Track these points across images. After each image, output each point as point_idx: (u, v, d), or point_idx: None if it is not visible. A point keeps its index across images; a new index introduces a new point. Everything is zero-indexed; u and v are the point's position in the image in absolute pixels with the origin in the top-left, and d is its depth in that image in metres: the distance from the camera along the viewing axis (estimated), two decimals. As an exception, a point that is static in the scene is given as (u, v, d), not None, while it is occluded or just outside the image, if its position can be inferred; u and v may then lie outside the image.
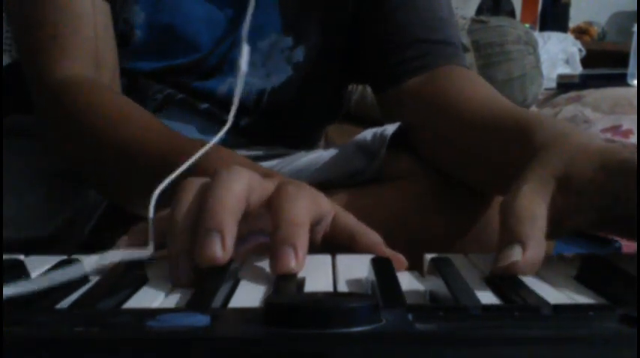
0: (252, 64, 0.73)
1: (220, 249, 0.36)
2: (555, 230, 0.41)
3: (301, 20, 0.75)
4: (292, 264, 0.36)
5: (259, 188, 0.40)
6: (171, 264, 0.38)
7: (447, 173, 0.63)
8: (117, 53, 0.68)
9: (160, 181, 0.45)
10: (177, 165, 0.48)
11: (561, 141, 0.45)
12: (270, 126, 0.78)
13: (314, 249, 0.43)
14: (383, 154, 0.61)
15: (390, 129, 0.63)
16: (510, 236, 0.39)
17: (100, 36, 0.66)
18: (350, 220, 0.46)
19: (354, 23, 0.75)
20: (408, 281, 0.39)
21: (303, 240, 0.37)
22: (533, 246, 0.38)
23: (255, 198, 0.40)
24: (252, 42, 0.73)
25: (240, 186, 0.39)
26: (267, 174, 0.46)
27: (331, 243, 0.45)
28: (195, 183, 0.40)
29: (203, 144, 0.52)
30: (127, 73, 0.72)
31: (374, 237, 0.45)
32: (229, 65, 0.73)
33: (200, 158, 0.50)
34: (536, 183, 0.41)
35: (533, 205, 0.40)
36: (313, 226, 0.42)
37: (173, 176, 0.46)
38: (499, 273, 0.37)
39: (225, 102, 0.75)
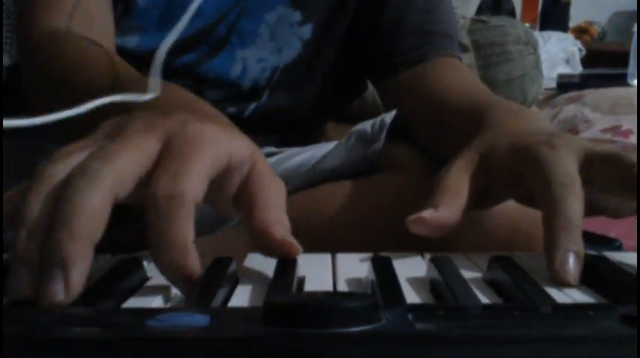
0: (259, 35, 0.74)
1: (62, 289, 0.30)
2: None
3: None
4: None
5: (143, 163, 0.34)
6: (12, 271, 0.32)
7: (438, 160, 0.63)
8: (112, 20, 0.68)
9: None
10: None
11: (503, 123, 0.50)
12: (275, 112, 0.78)
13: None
14: (383, 138, 0.61)
15: (388, 117, 0.63)
16: (429, 201, 0.43)
17: (96, 10, 0.66)
18: (268, 184, 0.38)
19: (358, 12, 0.76)
20: (409, 267, 0.39)
21: (183, 233, 0.32)
22: (443, 209, 0.42)
23: (139, 176, 0.34)
24: (258, 14, 0.73)
25: (101, 193, 0.32)
26: (181, 107, 0.43)
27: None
28: (57, 168, 0.34)
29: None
30: (129, 64, 0.72)
31: (276, 216, 0.37)
32: (238, 35, 0.73)
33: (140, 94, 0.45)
34: (463, 160, 0.46)
35: (457, 180, 0.44)
36: (222, 176, 0.36)
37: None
38: (407, 226, 0.41)
39: (236, 86, 0.75)
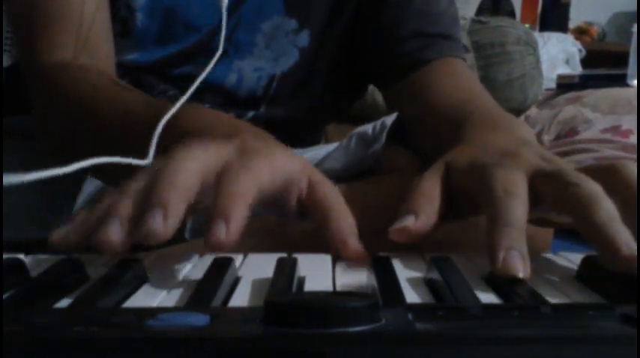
0: (254, 45, 0.74)
1: (161, 223, 0.35)
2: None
3: (305, 2, 0.75)
4: (222, 236, 0.35)
5: (216, 162, 0.39)
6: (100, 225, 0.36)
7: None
8: (113, 45, 0.68)
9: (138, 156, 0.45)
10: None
11: (472, 138, 0.51)
12: (275, 121, 0.78)
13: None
14: (384, 138, 0.61)
15: (389, 119, 0.63)
16: (406, 208, 0.43)
17: (95, 27, 0.66)
18: (329, 192, 0.43)
19: (356, 18, 0.76)
20: (409, 267, 0.39)
21: (237, 212, 0.36)
22: (422, 217, 0.42)
23: (211, 175, 0.39)
24: (254, 23, 0.73)
25: (193, 166, 0.38)
26: (233, 131, 0.46)
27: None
28: (147, 170, 0.40)
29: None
30: (129, 72, 0.72)
31: (348, 224, 0.42)
32: (234, 47, 0.73)
33: (179, 118, 0.50)
34: (434, 170, 0.46)
35: (429, 186, 0.44)
36: (281, 191, 0.41)
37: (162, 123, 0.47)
38: (392, 237, 0.41)
39: (233, 94, 0.75)
